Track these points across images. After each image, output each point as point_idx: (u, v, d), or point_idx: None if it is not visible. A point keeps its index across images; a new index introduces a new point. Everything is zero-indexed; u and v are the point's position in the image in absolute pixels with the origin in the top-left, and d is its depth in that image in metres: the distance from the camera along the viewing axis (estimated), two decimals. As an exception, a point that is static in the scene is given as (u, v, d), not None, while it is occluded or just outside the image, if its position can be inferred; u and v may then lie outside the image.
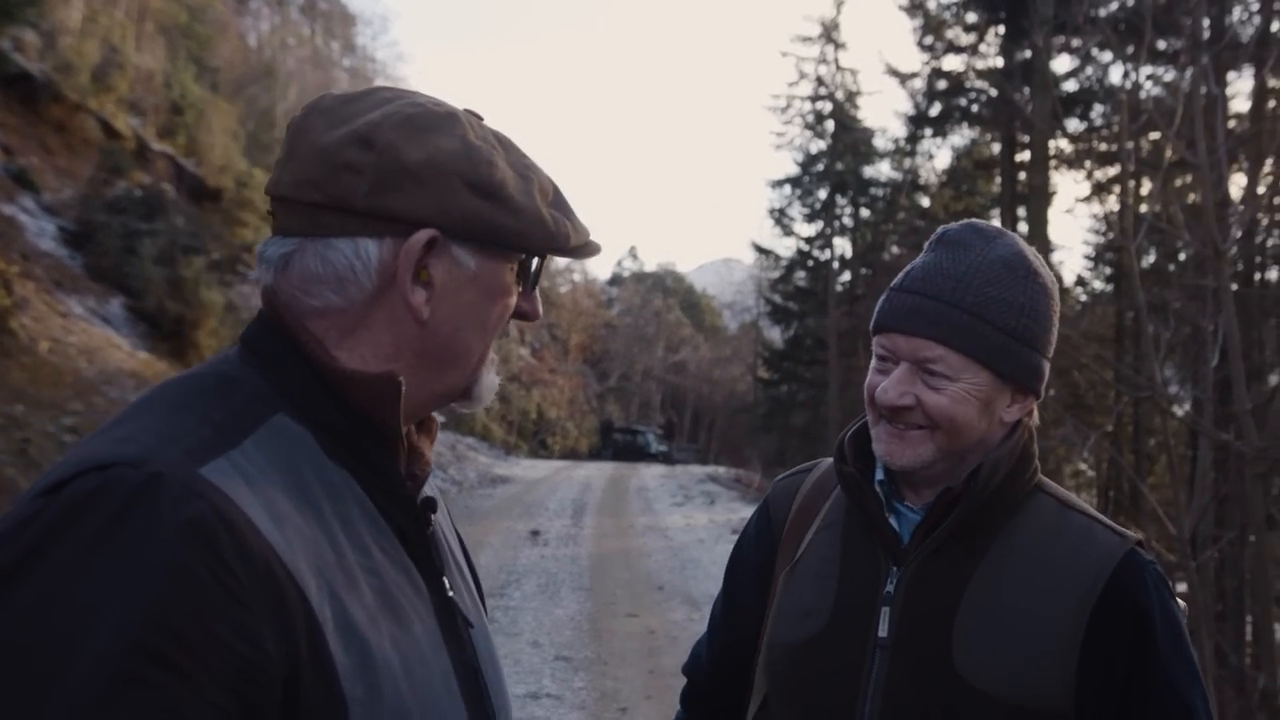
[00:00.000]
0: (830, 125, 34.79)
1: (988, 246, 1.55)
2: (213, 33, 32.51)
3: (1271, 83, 15.12)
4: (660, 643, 8.69)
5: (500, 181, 1.11)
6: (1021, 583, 1.50)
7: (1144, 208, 16.90)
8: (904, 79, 25.83)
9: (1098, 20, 14.02)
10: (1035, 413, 1.62)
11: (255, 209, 26.08)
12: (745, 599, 1.78)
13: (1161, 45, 16.79)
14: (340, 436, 1.09)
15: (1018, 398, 1.56)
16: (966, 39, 24.44)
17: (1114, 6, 17.33)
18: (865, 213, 34.81)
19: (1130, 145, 11.41)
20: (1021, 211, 22.74)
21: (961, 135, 26.74)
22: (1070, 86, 21.75)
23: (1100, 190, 20.81)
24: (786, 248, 36.96)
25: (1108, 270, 24.77)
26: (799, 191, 35.77)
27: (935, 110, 25.91)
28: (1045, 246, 21.79)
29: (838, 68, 34.90)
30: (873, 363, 1.58)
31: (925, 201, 29.46)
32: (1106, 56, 17.75)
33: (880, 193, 34.09)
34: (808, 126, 35.38)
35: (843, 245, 35.27)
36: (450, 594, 1.18)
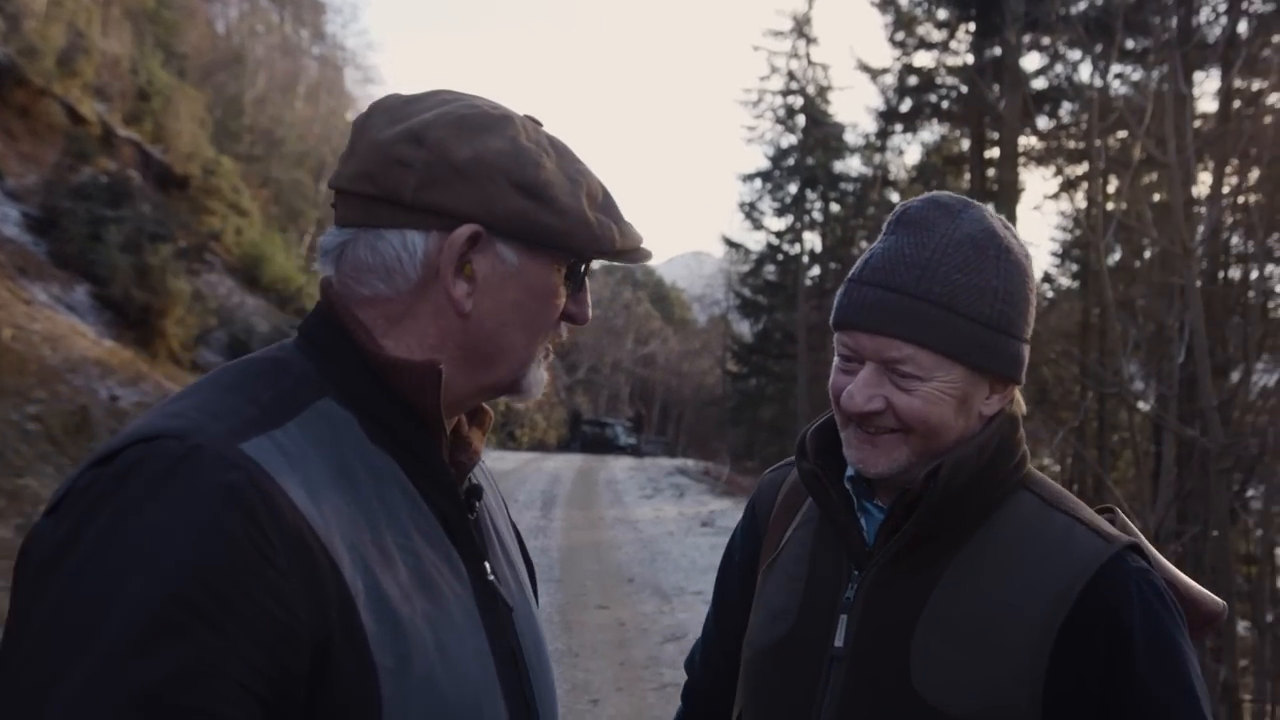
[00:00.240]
0: (801, 120, 34.86)
1: (953, 224, 1.41)
2: (180, 18, 32.20)
3: (1238, 83, 15.28)
4: (631, 635, 8.71)
5: (545, 182, 1.14)
6: (989, 591, 1.37)
7: (1111, 205, 17.04)
8: (875, 74, 25.99)
9: (1069, 18, 14.13)
10: (1019, 400, 1.50)
11: (222, 196, 25.88)
12: (732, 596, 1.71)
13: (1130, 45, 16.91)
14: (384, 421, 1.14)
15: (997, 388, 1.44)
16: (938, 35, 24.61)
17: (1084, 5, 17.45)
18: (835, 208, 34.91)
19: (1099, 143, 11.51)
20: (991, 207, 22.87)
21: (931, 131, 26.96)
22: (1040, 84, 21.90)
23: (1068, 187, 21.00)
24: (756, 242, 37.07)
25: (1074, 267, 25.04)
26: (769, 186, 35.84)
27: (906, 106, 26.10)
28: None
29: (809, 62, 34.97)
30: (836, 361, 1.46)
31: (895, 197, 29.57)
32: (1076, 54, 17.86)
33: (850, 188, 34.21)
34: (779, 121, 35.45)
35: (812, 240, 35.38)
36: (491, 578, 1.21)
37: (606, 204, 1.21)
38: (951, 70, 24.45)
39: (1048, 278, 25.68)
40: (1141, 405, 11.76)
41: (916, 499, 1.39)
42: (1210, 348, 11.71)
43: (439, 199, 1.12)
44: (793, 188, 35.18)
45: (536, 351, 1.21)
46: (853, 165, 34.77)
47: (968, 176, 25.19)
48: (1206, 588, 1.57)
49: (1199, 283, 14.20)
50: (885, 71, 25.73)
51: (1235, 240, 15.34)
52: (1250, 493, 10.44)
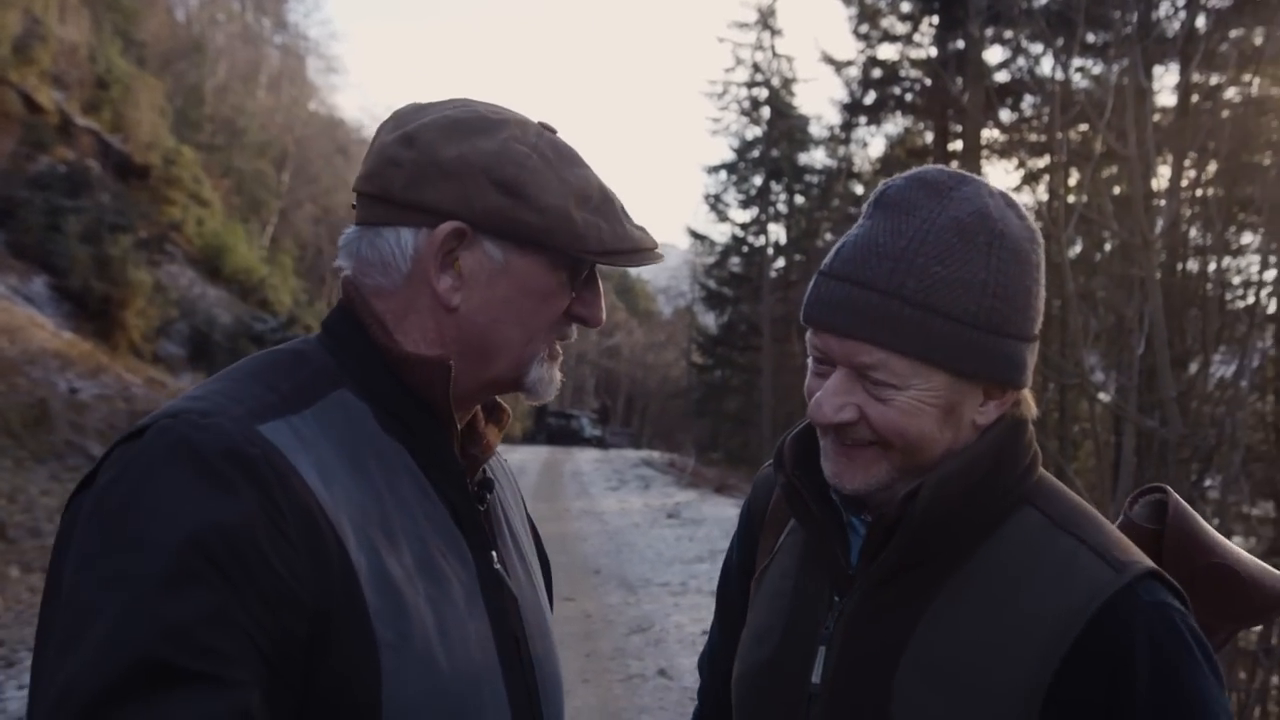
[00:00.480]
0: (766, 112, 34.95)
1: (938, 207, 1.22)
2: (139, 6, 31.82)
3: (1197, 78, 15.46)
4: (597, 626, 8.72)
5: (524, 180, 1.17)
6: (980, 628, 1.20)
7: (1072, 198, 17.22)
8: (839, 67, 26.10)
9: (1030, 11, 14.25)
10: (1028, 401, 1.31)
11: (183, 186, 25.64)
12: (731, 602, 1.59)
13: (1091, 38, 17.06)
14: (397, 413, 1.20)
15: (993, 394, 1.25)
16: (901, 28, 24.75)
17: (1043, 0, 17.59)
18: (800, 199, 35.06)
19: (1060, 136, 11.62)
20: (990, 182, 23.07)
21: (895, 124, 27.06)
22: (1002, 77, 22.05)
23: (1031, 180, 21.15)
24: (721, 233, 37.15)
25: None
26: (734, 178, 35.93)
27: (870, 98, 26.21)
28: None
29: (774, 54, 35.07)
30: (809, 362, 1.30)
31: (859, 189, 29.72)
32: (1038, 48, 18.00)
33: (815, 180, 34.35)
34: (744, 113, 35.53)
35: (777, 231, 35.53)
36: (497, 567, 1.25)
37: (602, 206, 1.23)
38: (915, 63, 24.60)
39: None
40: (1102, 396, 11.90)
41: (896, 522, 1.24)
42: (1169, 339, 11.86)
43: (424, 196, 1.18)
44: (758, 180, 35.28)
45: (536, 349, 1.24)
46: (817, 157, 34.95)
47: (931, 168, 25.36)
48: None
49: (1158, 274, 14.37)
50: (849, 64, 25.85)
51: (1194, 233, 15.53)
52: (1208, 483, 10.59)
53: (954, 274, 1.19)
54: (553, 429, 43.93)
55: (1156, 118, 14.40)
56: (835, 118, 28.77)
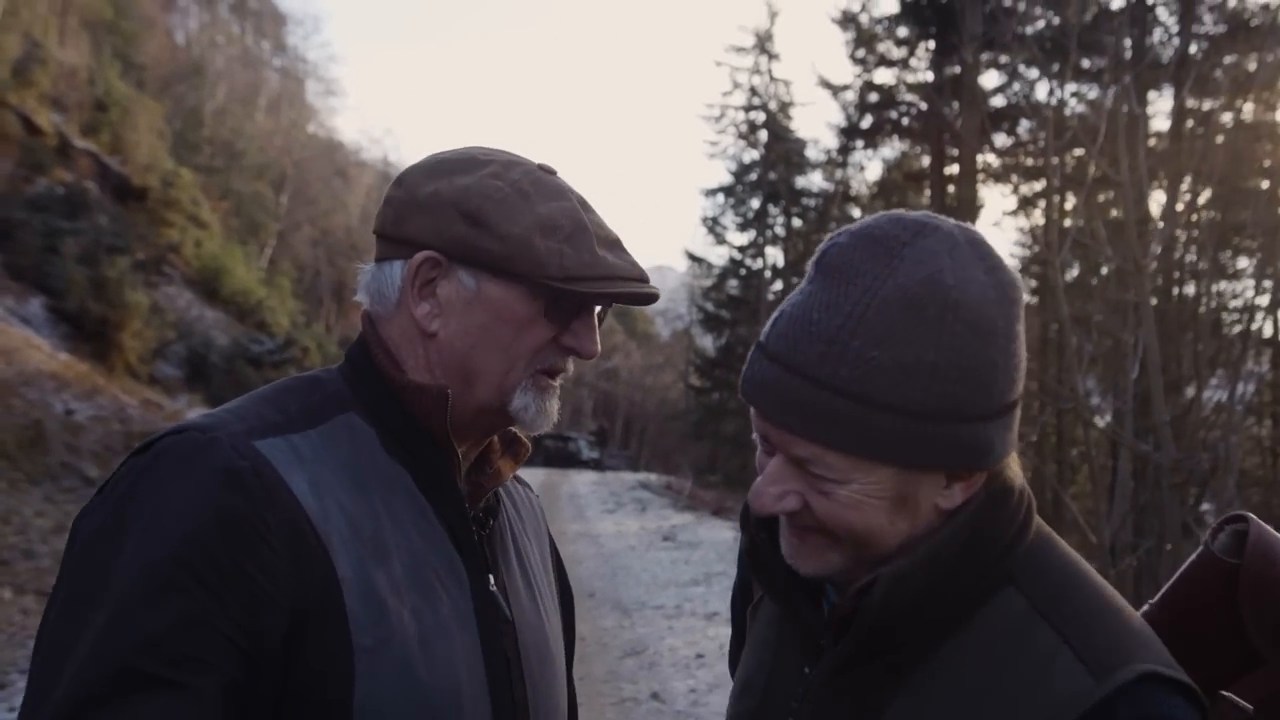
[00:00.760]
0: (763, 135, 35.08)
1: (885, 272, 1.05)
2: (139, 29, 32.00)
3: (1190, 103, 15.55)
4: (590, 650, 8.68)
5: (488, 211, 1.22)
6: None
7: (1068, 222, 17.28)
8: (836, 91, 26.22)
9: (1024, 37, 14.34)
10: (1012, 468, 1.16)
11: (181, 209, 25.70)
12: (737, 624, 1.49)
13: (1086, 64, 17.17)
14: (399, 437, 1.26)
15: (959, 476, 1.10)
16: (898, 53, 24.86)
17: (1041, 25, 17.70)
18: (797, 222, 35.12)
19: (1056, 161, 11.67)
20: (956, 227, 23.15)
21: (892, 148, 27.16)
22: (998, 102, 22.17)
23: (1026, 204, 21.26)
24: (719, 256, 37.19)
25: (1033, 283, 25.28)
26: (732, 200, 36.02)
27: (867, 122, 26.31)
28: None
29: (771, 78, 35.22)
30: (755, 437, 1.16)
31: (856, 212, 29.77)
32: (1033, 73, 18.12)
33: (812, 203, 34.42)
34: (741, 136, 35.65)
35: (775, 254, 35.56)
36: (493, 589, 1.29)
37: (574, 235, 1.25)
38: (911, 87, 24.71)
39: (1007, 293, 26.03)
40: (1098, 421, 11.92)
41: (852, 613, 1.12)
42: (1165, 363, 11.90)
43: (404, 230, 1.26)
44: (755, 203, 35.36)
45: (518, 377, 1.27)
46: (814, 180, 35.02)
47: (928, 193, 25.45)
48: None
49: (1154, 300, 14.43)
50: (846, 88, 25.98)
51: (1190, 257, 15.59)
52: (1205, 507, 10.60)
53: (896, 358, 1.03)
54: (550, 451, 43.77)
55: (1152, 142, 14.50)
56: (832, 141, 28.89)
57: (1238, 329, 11.57)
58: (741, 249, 36.08)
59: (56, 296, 16.54)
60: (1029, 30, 16.72)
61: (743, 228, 35.96)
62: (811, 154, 34.56)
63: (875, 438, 1.04)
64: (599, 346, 1.31)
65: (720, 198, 36.24)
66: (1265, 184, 13.32)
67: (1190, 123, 15.21)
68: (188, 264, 25.15)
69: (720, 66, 36.02)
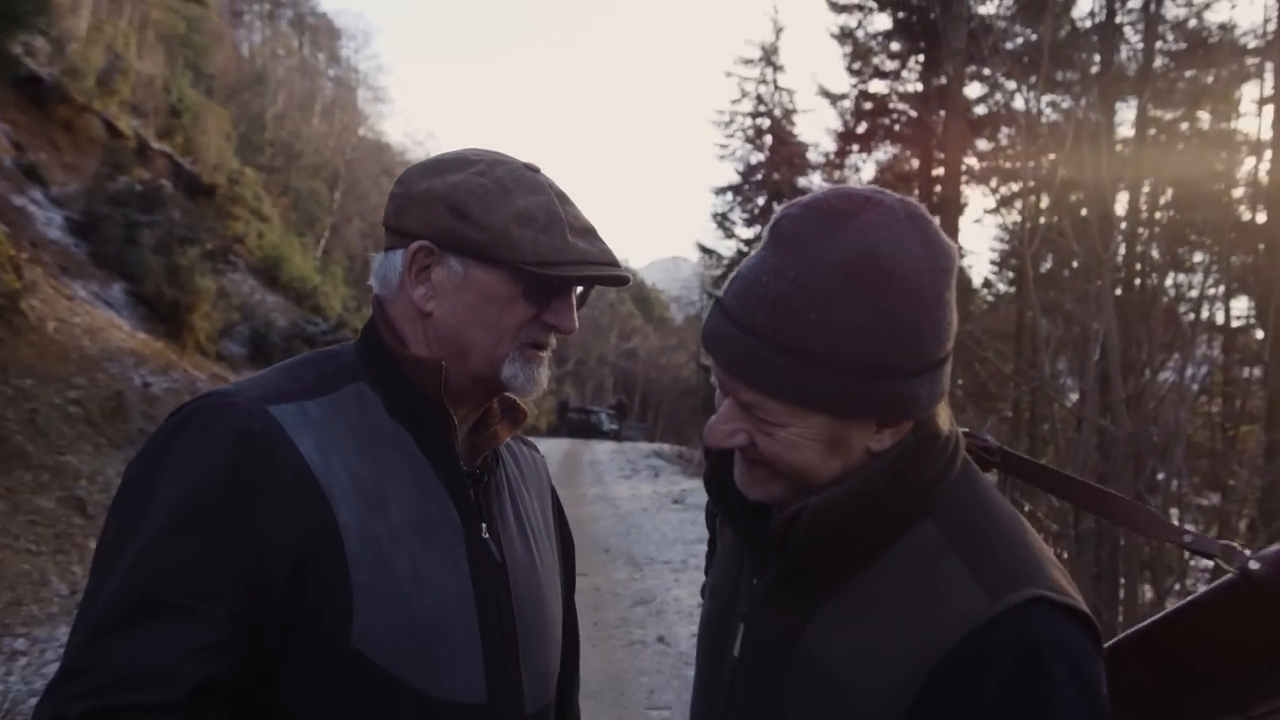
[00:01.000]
0: (769, 139, 34.92)
1: (828, 243, 1.08)
2: (209, 42, 32.09)
3: (1156, 112, 15.47)
4: (605, 598, 8.80)
5: (471, 205, 1.26)
6: (861, 637, 1.11)
7: (1042, 220, 17.27)
8: (835, 99, 26.07)
9: (1002, 52, 14.28)
10: (940, 416, 1.18)
11: (246, 204, 25.82)
12: (712, 535, 1.55)
13: (1060, 76, 17.09)
14: (402, 404, 1.30)
15: (889, 424, 1.13)
16: (890, 65, 24.68)
17: (1020, 41, 17.60)
18: (799, 219, 34.96)
19: (1031, 164, 11.65)
20: (937, 220, 23.04)
21: (885, 151, 26.93)
22: (981, 110, 22.03)
23: (1005, 203, 21.13)
24: (728, 248, 37.07)
25: (1010, 274, 25.20)
26: (739, 198, 35.90)
27: (862, 128, 26.12)
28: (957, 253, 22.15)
29: (776, 88, 35.05)
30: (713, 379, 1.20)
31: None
32: (1012, 85, 18.06)
33: (812, 201, 34.25)
34: (748, 140, 35.51)
35: (778, 248, 35.42)
36: (485, 536, 1.32)
37: (548, 226, 1.28)
38: (902, 97, 24.57)
39: (988, 283, 25.88)
40: (1072, 397, 11.94)
41: (785, 537, 1.16)
42: (1125, 348, 11.89)
43: (403, 222, 1.31)
44: (761, 200, 35.22)
45: (506, 349, 1.30)
46: (815, 180, 34.71)
47: (917, 192, 25.35)
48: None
49: (1119, 290, 14.38)
50: (844, 97, 25.82)
51: (1154, 253, 15.54)
52: (1160, 475, 10.62)
53: (833, 320, 1.06)
54: (574, 423, 43.83)
55: (1119, 148, 14.45)
56: (831, 145, 28.67)
57: (1191, 317, 11.54)
58: (748, 242, 35.96)
59: (135, 282, 16.64)
60: (1009, 45, 16.65)
61: (749, 223, 35.85)
62: (812, 156, 34.33)
63: (811, 390, 1.08)
64: (577, 323, 1.34)
65: (729, 195, 36.13)
66: (1219, 187, 13.25)
67: (1153, 130, 15.12)
68: (251, 253, 25.28)
69: (730, 77, 35.83)
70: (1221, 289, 15.31)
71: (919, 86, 23.79)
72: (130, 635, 1.08)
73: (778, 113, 35.06)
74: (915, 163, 25.55)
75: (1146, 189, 13.56)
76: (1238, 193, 13.71)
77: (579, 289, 1.35)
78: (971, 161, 21.31)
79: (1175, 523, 1.36)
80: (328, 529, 1.17)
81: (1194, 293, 15.25)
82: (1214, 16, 15.83)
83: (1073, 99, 14.56)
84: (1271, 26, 11.99)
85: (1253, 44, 13.30)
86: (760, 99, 35.14)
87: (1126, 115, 17.05)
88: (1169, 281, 14.66)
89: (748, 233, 35.95)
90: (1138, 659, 1.37)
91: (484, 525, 1.33)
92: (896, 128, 25.63)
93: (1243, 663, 1.31)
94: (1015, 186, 19.16)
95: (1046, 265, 17.95)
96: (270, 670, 1.15)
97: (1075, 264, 16.37)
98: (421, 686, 1.20)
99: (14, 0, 9.57)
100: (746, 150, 35.68)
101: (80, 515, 8.86)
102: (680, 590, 9.40)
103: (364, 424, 1.27)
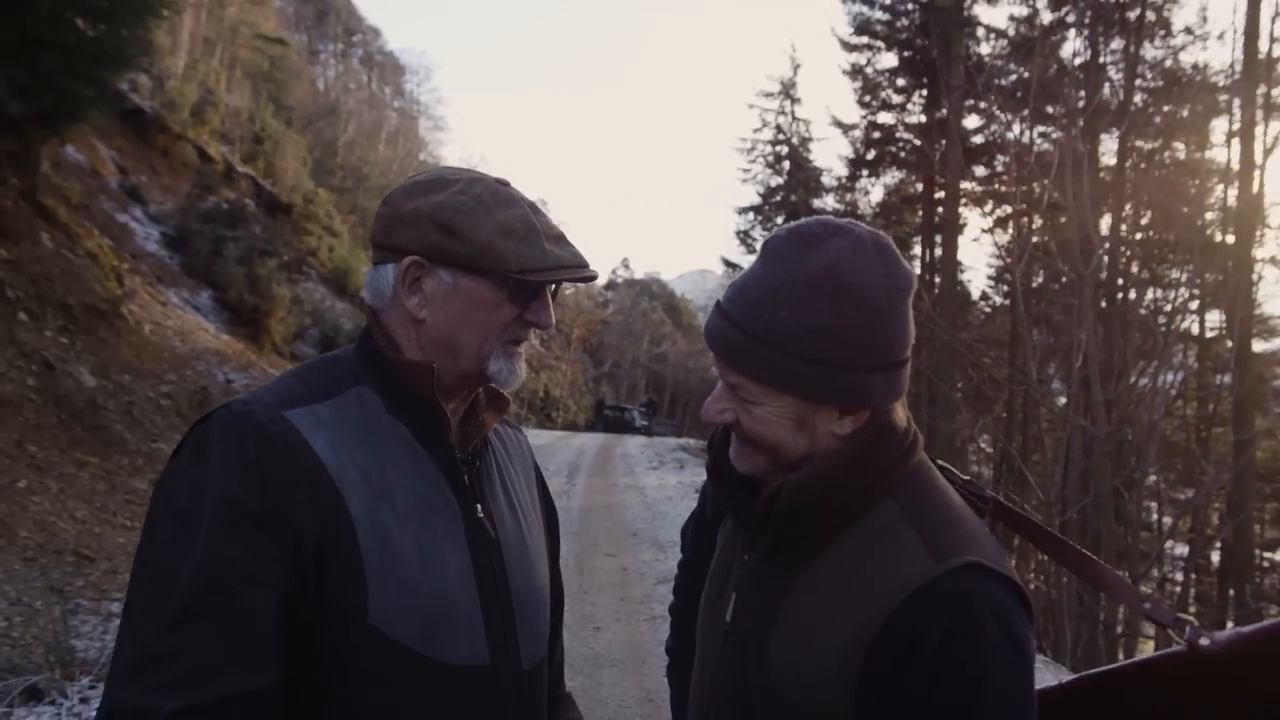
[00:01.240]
0: (787, 164, 34.78)
1: (801, 260, 1.19)
2: (289, 78, 32.48)
3: (1139, 143, 15.32)
4: (631, 578, 8.78)
5: (457, 222, 1.26)
6: (830, 600, 1.18)
7: (1036, 239, 17.14)
8: (846, 129, 25.98)
9: (996, 88, 14.24)
10: (896, 412, 1.26)
11: (318, 221, 26.10)
12: (700, 549, 1.57)
13: (1050, 110, 16.97)
14: (400, 402, 1.29)
15: (849, 412, 1.21)
16: (896, 99, 24.60)
17: (1013, 78, 17.49)
18: (813, 237, 34.75)
19: (1022, 189, 11.61)
20: (938, 238, 22.93)
21: (891, 176, 26.81)
22: (978, 140, 21.89)
23: (1000, 224, 21.01)
24: (749, 262, 36.80)
25: (1005, 288, 24.99)
26: (760, 217, 35.75)
27: (871, 155, 26.01)
28: (955, 268, 22.05)
29: (794, 118, 34.93)
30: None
31: (861, 229, 29.49)
32: (1007, 116, 17.95)
33: (826, 221, 34.03)
34: (768, 165, 35.37)
35: (794, 263, 35.21)
36: (480, 515, 1.32)
37: (527, 237, 1.29)
38: (908, 127, 24.45)
39: (984, 296, 25.65)
40: (1061, 400, 11.87)
41: (767, 512, 1.23)
42: (1106, 355, 11.81)
43: (393, 239, 1.29)
44: (780, 219, 35.06)
45: (492, 348, 1.30)
46: (829, 202, 34.52)
47: (920, 213, 25.21)
48: (1095, 548, 1.25)
49: (1104, 303, 14.25)
50: (854, 127, 25.73)
51: (1134, 269, 15.39)
52: (1139, 474, 10.54)
53: (798, 318, 1.16)
54: (609, 419, 43.77)
55: (1103, 175, 14.35)
56: (843, 170, 28.49)
57: (1168, 328, 11.44)
58: (767, 258, 35.85)
59: (220, 290, 16.87)
60: (1002, 82, 16.56)
61: (768, 241, 35.75)
62: (826, 180, 34.14)
63: (780, 373, 1.18)
64: (554, 319, 1.35)
65: (751, 215, 35.99)
66: (1190, 210, 13.14)
67: (1134, 158, 14.98)
68: (323, 265, 25.54)
69: (752, 108, 35.70)
70: (1196, 303, 15.13)
71: (922, 118, 23.69)
72: (206, 625, 1.07)
73: (795, 141, 34.95)
74: (919, 186, 25.43)
75: (1128, 211, 13.44)
76: (1210, 216, 13.59)
77: (553, 287, 1.36)
78: (969, 186, 21.21)
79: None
80: (341, 519, 1.18)
81: (1170, 306, 15.12)
82: (1188, 57, 15.66)
83: (1061, 130, 14.46)
84: (1239, 67, 11.86)
85: (1223, 82, 13.17)
86: (779, 128, 35.04)
87: (1110, 145, 16.94)
88: (1149, 296, 14.54)
89: (767, 249, 35.81)
90: (1077, 708, 1.38)
91: (478, 506, 1.33)
92: (902, 155, 25.50)
93: None
94: (1008, 209, 19.06)
95: (1039, 280, 17.82)
96: (305, 648, 1.16)
97: (1064, 279, 16.24)
98: (433, 655, 1.22)
99: (120, 43, 9.74)
100: (767, 174, 35.57)
101: (170, 496, 9.00)
102: (699, 570, 9.39)
103: (367, 422, 1.27)
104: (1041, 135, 16.48)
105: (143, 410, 10.22)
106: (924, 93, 23.22)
